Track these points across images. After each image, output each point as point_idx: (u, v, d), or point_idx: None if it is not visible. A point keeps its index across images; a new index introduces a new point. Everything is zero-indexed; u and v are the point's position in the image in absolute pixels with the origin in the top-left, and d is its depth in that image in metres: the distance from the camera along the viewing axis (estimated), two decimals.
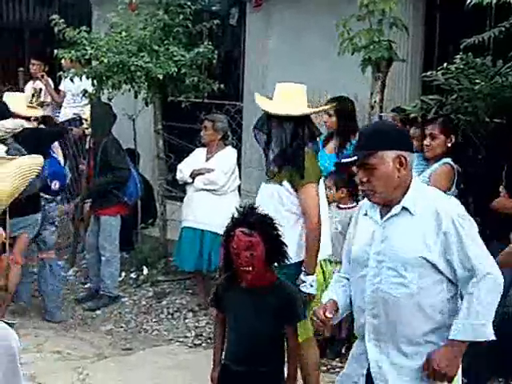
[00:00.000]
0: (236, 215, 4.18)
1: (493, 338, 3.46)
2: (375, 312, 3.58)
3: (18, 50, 13.43)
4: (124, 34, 8.18)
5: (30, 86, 10.77)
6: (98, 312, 7.69)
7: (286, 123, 5.23)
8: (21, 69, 10.70)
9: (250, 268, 4.10)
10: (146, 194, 8.68)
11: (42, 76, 10.76)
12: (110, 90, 8.19)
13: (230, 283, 4.30)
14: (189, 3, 8.40)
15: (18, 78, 10.48)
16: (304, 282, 5.09)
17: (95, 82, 8.19)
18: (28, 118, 7.84)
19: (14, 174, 2.24)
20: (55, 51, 8.19)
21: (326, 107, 6.44)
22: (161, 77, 7.87)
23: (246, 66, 9.37)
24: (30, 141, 7.08)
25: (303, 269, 5.12)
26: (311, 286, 5.12)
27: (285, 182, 5.19)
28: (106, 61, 7.83)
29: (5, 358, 2.10)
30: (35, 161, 2.30)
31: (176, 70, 7.94)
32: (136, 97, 8.35)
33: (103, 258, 7.80)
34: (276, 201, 5.20)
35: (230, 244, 4.12)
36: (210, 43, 8.36)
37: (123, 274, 8.42)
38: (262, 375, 4.20)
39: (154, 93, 8.25)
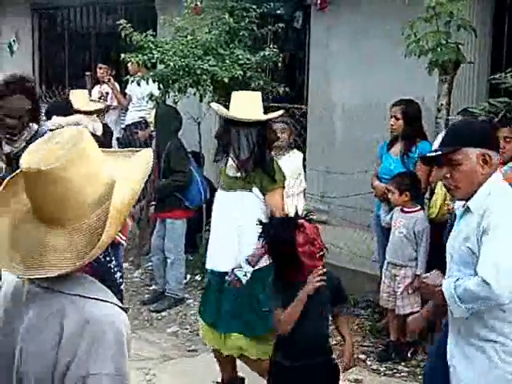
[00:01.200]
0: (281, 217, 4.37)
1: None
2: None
3: (85, 55, 13.64)
4: (190, 37, 8.25)
5: (96, 90, 10.93)
6: (163, 314, 7.76)
7: (251, 128, 5.28)
8: (88, 73, 10.86)
9: (322, 252, 4.21)
10: (211, 196, 8.71)
11: (109, 80, 10.91)
12: (176, 94, 8.26)
13: (282, 283, 4.34)
14: (254, 7, 8.44)
15: (86, 81, 10.63)
16: (241, 268, 5.16)
17: (161, 85, 8.28)
18: (89, 113, 8.25)
19: (141, 166, 2.30)
20: (122, 55, 8.29)
21: (280, 112, 6.23)
22: (226, 80, 7.91)
23: (310, 68, 9.37)
24: None
25: (247, 258, 5.16)
26: (245, 275, 5.17)
27: (254, 188, 5.22)
28: (172, 64, 7.90)
29: (113, 339, 2.14)
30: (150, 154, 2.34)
31: (241, 73, 7.98)
32: (201, 100, 8.40)
33: (168, 261, 7.86)
34: (245, 207, 5.25)
35: (298, 237, 4.14)
36: (275, 46, 8.37)
37: (188, 276, 8.47)
38: (320, 365, 4.27)
39: (219, 96, 8.29)
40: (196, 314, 7.60)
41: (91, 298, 2.17)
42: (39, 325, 2.18)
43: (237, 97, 5.53)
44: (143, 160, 2.33)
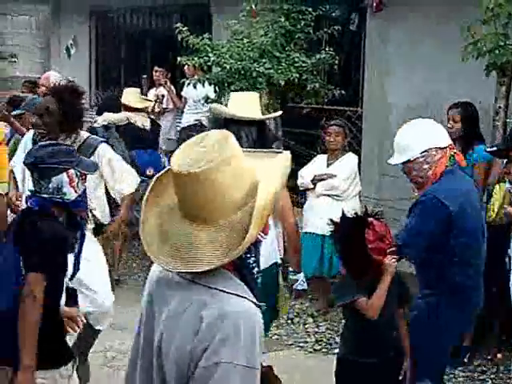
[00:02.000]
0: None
1: None
2: None
3: (141, 58, 13.77)
4: (245, 40, 8.29)
5: (152, 93, 11.03)
6: None
7: (251, 128, 5.28)
8: (144, 76, 10.96)
9: (393, 249, 4.27)
10: None
11: (165, 82, 10.99)
12: None
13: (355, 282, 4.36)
14: (310, 9, 8.44)
15: (142, 84, 10.73)
16: (297, 280, 5.15)
17: (217, 88, 8.33)
18: (138, 110, 8.84)
19: (280, 167, 2.43)
20: (178, 58, 8.37)
21: (279, 113, 6.27)
22: (282, 83, 7.93)
23: (365, 71, 9.35)
24: (128, 134, 8.27)
25: (291, 269, 5.15)
26: (303, 282, 5.17)
27: None
28: (228, 67, 7.95)
29: (247, 333, 2.27)
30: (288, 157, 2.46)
31: (297, 75, 7.99)
32: None
33: None
34: None
35: (368, 234, 4.19)
36: (331, 49, 8.37)
37: None
38: (390, 363, 4.33)
39: (275, 98, 8.31)
40: None
41: (230, 293, 2.31)
42: (180, 313, 2.34)
43: (235, 97, 5.57)
44: (282, 161, 2.45)
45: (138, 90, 9.78)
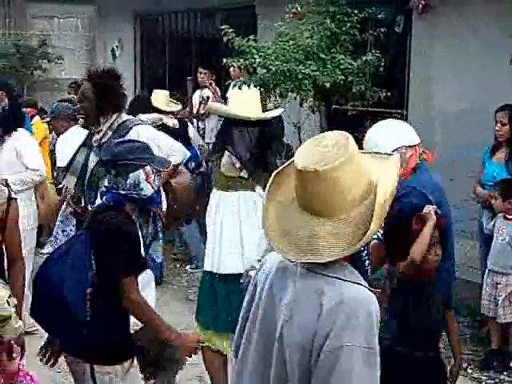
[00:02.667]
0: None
1: None
2: None
3: (186, 60, 13.84)
4: (291, 42, 8.27)
5: (198, 94, 11.08)
6: None
7: (253, 128, 5.28)
8: (189, 77, 11.01)
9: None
10: None
11: (210, 84, 11.03)
12: (277, 98, 8.31)
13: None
14: (355, 11, 8.41)
15: (187, 86, 10.77)
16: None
17: (262, 90, 8.32)
18: (167, 112, 9.10)
19: (393, 168, 2.62)
20: (224, 60, 8.40)
21: (280, 110, 6.09)
22: (328, 85, 7.91)
23: (410, 73, 9.30)
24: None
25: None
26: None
27: (258, 187, 5.20)
28: (273, 69, 7.94)
29: (365, 317, 2.46)
30: None
31: (343, 77, 7.97)
32: (301, 105, 8.43)
33: None
34: (249, 207, 5.25)
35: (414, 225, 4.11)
36: (378, 51, 8.33)
37: None
38: (431, 360, 4.28)
39: (320, 101, 8.30)
40: None
41: (348, 281, 2.50)
42: (301, 301, 2.54)
43: (235, 95, 5.55)
44: (393, 163, 2.64)
45: (167, 92, 9.90)
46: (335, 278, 2.48)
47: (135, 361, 4.13)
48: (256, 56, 8.08)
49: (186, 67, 13.56)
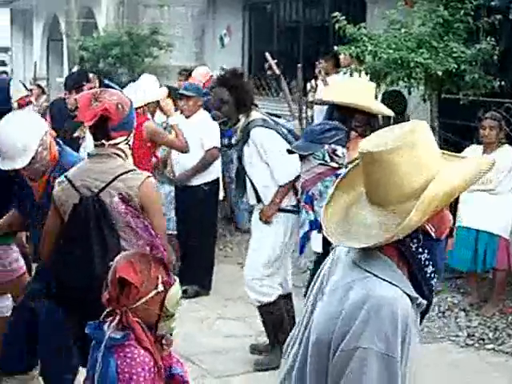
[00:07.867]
0: None
1: None
2: None
3: (294, 47, 13.88)
4: (403, 30, 8.19)
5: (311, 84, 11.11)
6: None
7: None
8: (299, 65, 11.00)
9: None
10: None
11: (319, 72, 11.00)
12: (387, 87, 8.26)
13: None
14: None
15: (297, 74, 10.77)
16: None
17: (372, 77, 8.27)
18: None
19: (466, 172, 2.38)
20: (335, 47, 8.38)
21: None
22: (440, 73, 7.80)
23: None
24: None
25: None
26: None
27: None
28: (385, 57, 7.88)
29: (388, 318, 2.24)
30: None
31: (455, 66, 7.84)
32: (410, 93, 8.35)
33: None
34: None
35: None
36: (493, 39, 8.15)
37: None
38: None
39: (431, 89, 8.20)
40: None
41: (381, 278, 2.30)
42: (335, 291, 2.37)
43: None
44: (475, 165, 2.40)
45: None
46: (369, 272, 2.31)
47: None
48: (367, 44, 8.02)
49: (294, 55, 13.59)
